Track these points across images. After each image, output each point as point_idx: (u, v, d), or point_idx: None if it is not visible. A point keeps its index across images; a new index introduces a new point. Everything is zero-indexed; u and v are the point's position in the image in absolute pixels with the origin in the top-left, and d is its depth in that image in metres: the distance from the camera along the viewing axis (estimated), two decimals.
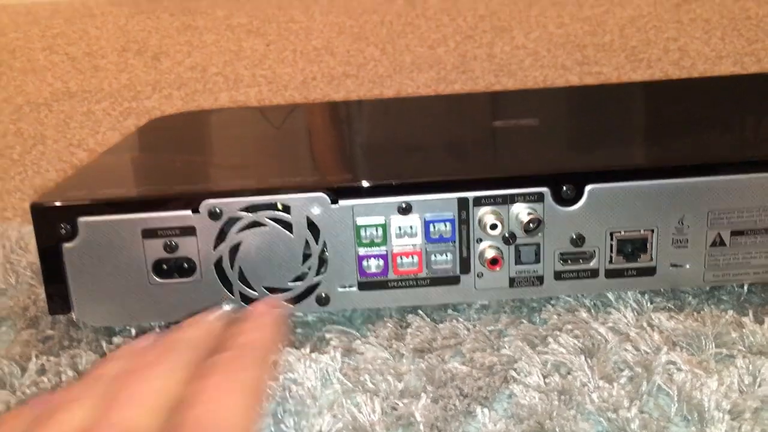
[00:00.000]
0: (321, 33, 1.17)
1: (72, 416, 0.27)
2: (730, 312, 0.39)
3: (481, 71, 0.96)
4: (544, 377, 0.35)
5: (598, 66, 0.95)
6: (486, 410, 0.33)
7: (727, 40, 1.03)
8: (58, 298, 0.39)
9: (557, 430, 0.32)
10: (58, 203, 0.38)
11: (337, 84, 0.94)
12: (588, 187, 0.38)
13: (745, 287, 0.41)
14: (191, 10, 1.35)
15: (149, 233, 0.38)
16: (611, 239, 0.39)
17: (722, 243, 0.39)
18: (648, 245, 0.39)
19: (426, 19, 1.24)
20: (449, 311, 0.42)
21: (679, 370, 0.35)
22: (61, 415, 0.27)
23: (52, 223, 0.38)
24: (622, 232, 0.39)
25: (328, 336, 0.40)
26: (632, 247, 0.39)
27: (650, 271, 0.39)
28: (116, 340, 0.40)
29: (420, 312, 0.41)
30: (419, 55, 1.05)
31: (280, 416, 0.35)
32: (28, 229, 0.53)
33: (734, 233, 0.39)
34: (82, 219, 0.38)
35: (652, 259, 0.39)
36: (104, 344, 0.40)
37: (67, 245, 0.38)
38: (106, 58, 1.09)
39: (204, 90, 0.94)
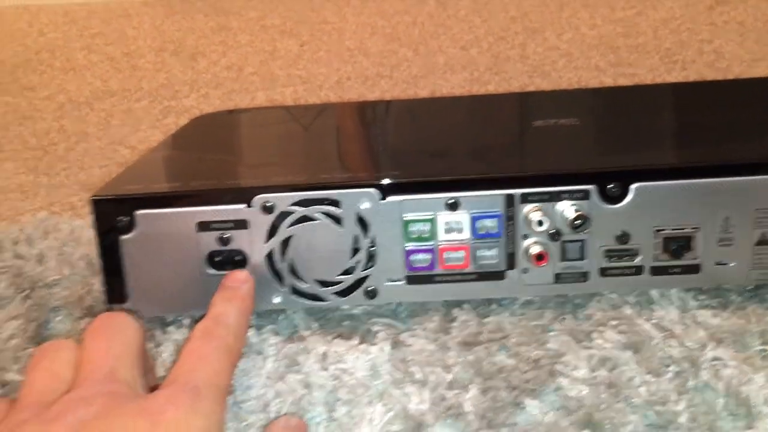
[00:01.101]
0: (354, 34, 1.19)
1: None
2: None
3: (515, 72, 0.96)
4: (591, 371, 0.36)
5: (632, 68, 0.95)
6: (535, 402, 0.34)
7: (762, 43, 1.03)
8: (115, 289, 0.40)
9: (606, 422, 0.32)
10: (117, 196, 0.40)
11: (371, 84, 0.95)
12: (634, 185, 0.38)
13: None
14: (225, 10, 1.37)
15: (204, 226, 0.39)
16: (656, 237, 0.39)
17: None
18: (693, 243, 0.39)
19: (458, 21, 1.25)
20: (494, 306, 0.42)
21: (726, 366, 0.35)
22: None
23: (111, 216, 0.39)
24: (668, 230, 0.39)
25: (375, 329, 0.41)
26: (677, 245, 0.39)
27: (695, 269, 0.40)
28: (170, 329, 0.41)
29: (465, 306, 0.42)
30: (452, 56, 1.06)
31: (332, 405, 0.36)
32: (79, 223, 0.55)
33: None
34: (140, 212, 0.39)
35: (697, 257, 0.40)
36: (158, 334, 0.41)
37: (124, 237, 0.40)
38: (144, 58, 1.11)
39: (240, 89, 0.95)
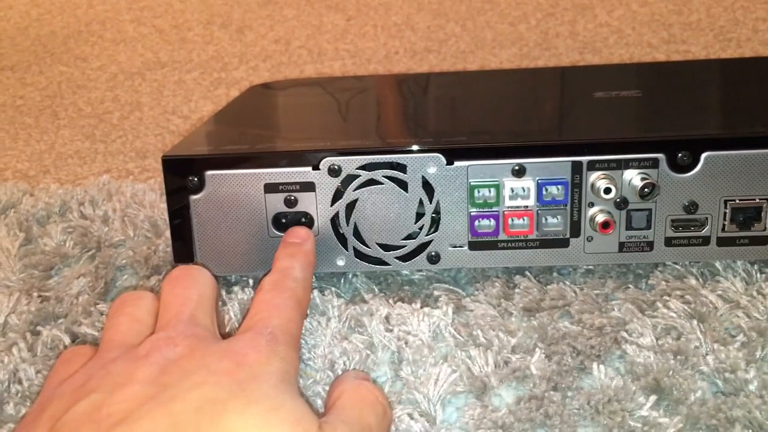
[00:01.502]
0: (400, 9, 1.18)
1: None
2: None
3: (565, 48, 0.95)
4: (657, 339, 0.36)
5: (685, 45, 0.93)
6: (602, 366, 0.34)
7: None
8: (183, 247, 0.41)
9: (674, 388, 0.33)
10: (187, 156, 0.40)
11: (420, 59, 0.94)
12: (705, 154, 0.38)
13: None
14: None
15: (271, 188, 0.40)
16: (725, 207, 0.39)
17: None
18: (762, 214, 0.39)
19: None
20: (555, 274, 0.42)
21: None
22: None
23: (182, 176, 0.40)
24: (737, 201, 0.39)
25: (436, 293, 0.41)
26: (746, 216, 0.39)
27: (763, 241, 0.39)
28: (235, 289, 0.42)
29: (527, 273, 0.42)
30: (500, 31, 1.05)
31: (397, 364, 0.36)
32: (141, 186, 0.56)
33: None
34: (209, 172, 0.40)
35: (765, 228, 0.39)
36: (224, 293, 0.42)
37: (194, 197, 0.40)
38: (193, 31, 1.12)
39: (289, 62, 0.96)
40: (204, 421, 0.26)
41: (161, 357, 0.29)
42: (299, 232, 0.40)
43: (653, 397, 0.32)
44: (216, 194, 0.40)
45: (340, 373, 0.36)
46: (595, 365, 0.34)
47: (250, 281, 0.43)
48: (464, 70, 0.88)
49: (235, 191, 0.40)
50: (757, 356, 0.34)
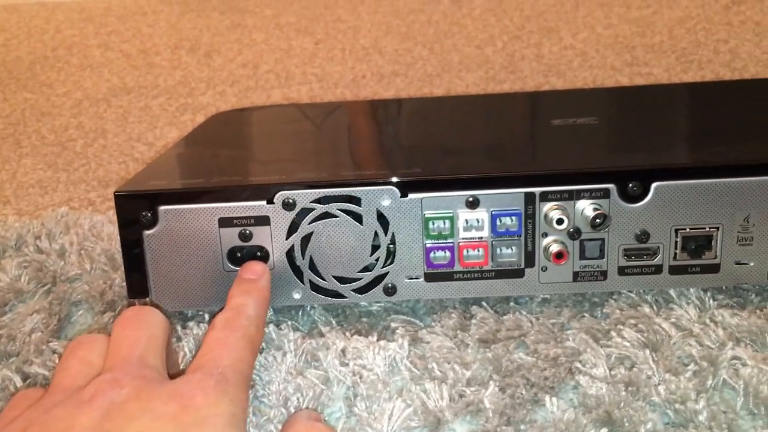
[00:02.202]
0: (369, 32, 1.19)
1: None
2: None
3: (530, 71, 0.96)
4: (610, 369, 0.36)
5: (648, 67, 0.95)
6: (554, 399, 0.34)
7: None
8: (137, 283, 0.41)
9: (625, 420, 0.33)
10: (140, 192, 0.40)
11: (386, 82, 0.95)
12: (654, 185, 0.38)
13: None
14: (240, 9, 1.37)
15: (225, 222, 0.40)
16: (676, 236, 0.39)
17: None
18: (713, 242, 0.39)
19: (472, 19, 1.25)
20: (512, 304, 0.43)
21: (745, 365, 0.35)
22: None
23: (135, 211, 0.40)
24: (687, 229, 0.39)
25: (393, 325, 0.41)
26: (696, 244, 0.40)
27: (714, 269, 0.40)
28: (190, 324, 0.42)
29: (483, 304, 0.42)
30: (467, 54, 1.06)
31: (351, 400, 0.36)
32: (100, 218, 0.56)
33: None
34: (163, 207, 0.40)
35: (716, 256, 0.40)
36: (179, 329, 0.42)
37: (147, 232, 0.40)
38: (160, 55, 1.11)
39: (256, 87, 0.96)
40: None
41: (106, 401, 0.28)
42: (254, 268, 0.39)
43: (604, 430, 0.32)
44: (170, 229, 0.40)
45: (293, 410, 0.35)
46: (547, 398, 0.34)
47: (206, 316, 0.43)
48: (426, 95, 0.89)
49: (189, 226, 0.40)
50: (708, 385, 0.35)
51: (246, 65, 1.05)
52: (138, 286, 0.41)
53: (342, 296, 0.41)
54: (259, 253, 0.41)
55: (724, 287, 0.42)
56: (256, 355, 0.34)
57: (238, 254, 0.41)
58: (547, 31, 1.16)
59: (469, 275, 0.41)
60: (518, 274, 0.40)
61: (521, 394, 0.35)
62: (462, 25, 1.22)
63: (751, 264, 0.40)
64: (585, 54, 1.03)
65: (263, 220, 0.40)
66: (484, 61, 1.02)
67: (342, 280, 0.41)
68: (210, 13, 1.34)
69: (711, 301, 0.41)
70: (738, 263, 0.40)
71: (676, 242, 0.39)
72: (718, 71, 0.92)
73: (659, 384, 0.35)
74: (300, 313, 0.43)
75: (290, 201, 0.40)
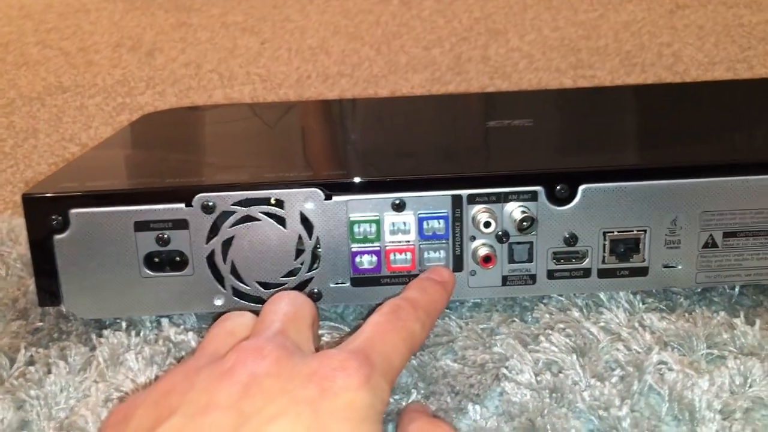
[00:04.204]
0: (316, 32, 1.17)
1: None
2: (722, 313, 0.39)
3: (476, 73, 0.96)
4: (536, 375, 0.35)
5: (592, 70, 0.95)
6: (477, 407, 0.33)
7: (720, 47, 1.04)
8: (49, 290, 0.39)
9: (548, 427, 0.32)
10: (50, 194, 0.38)
11: (331, 83, 0.94)
12: (582, 187, 0.38)
13: (737, 289, 0.41)
14: (186, 7, 1.35)
15: (141, 226, 0.38)
16: (604, 239, 0.39)
17: (714, 245, 0.39)
18: (641, 245, 0.39)
19: (421, 21, 1.24)
20: None
21: (671, 369, 0.35)
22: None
23: (44, 215, 0.38)
24: (615, 232, 0.39)
25: (320, 332, 0.40)
26: (625, 247, 0.39)
27: (642, 272, 0.39)
28: (106, 332, 0.40)
29: None
30: (414, 55, 1.05)
31: None
32: (19, 222, 0.53)
33: (726, 235, 0.39)
34: (74, 210, 0.38)
35: (644, 259, 0.39)
36: (94, 337, 0.40)
37: (58, 237, 0.38)
38: (100, 54, 1.08)
39: (198, 87, 0.94)
40: None
41: (245, 373, 0.27)
42: (441, 272, 0.38)
43: None
44: (82, 233, 0.38)
45: None
46: (470, 406, 0.33)
47: (123, 324, 0.41)
48: (369, 97, 0.88)
49: (103, 230, 0.38)
50: (633, 390, 0.34)
51: (189, 64, 1.03)
52: (49, 294, 0.39)
53: (265, 302, 0.40)
54: (178, 258, 0.39)
55: (654, 291, 0.42)
56: (412, 354, 0.32)
57: (156, 259, 0.39)
58: (495, 32, 1.16)
59: (396, 280, 0.40)
60: None
61: (446, 402, 0.35)
62: (410, 26, 1.21)
63: (679, 267, 0.39)
64: (531, 56, 1.03)
65: (182, 224, 0.38)
66: (430, 62, 1.02)
67: (265, 285, 0.39)
68: (155, 11, 1.31)
69: (640, 304, 0.40)
70: (666, 266, 0.39)
71: (605, 245, 0.39)
72: (661, 74, 0.93)
73: (584, 390, 0.34)
74: None
75: (210, 204, 0.38)
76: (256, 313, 0.33)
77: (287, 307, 0.32)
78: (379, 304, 0.33)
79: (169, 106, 0.85)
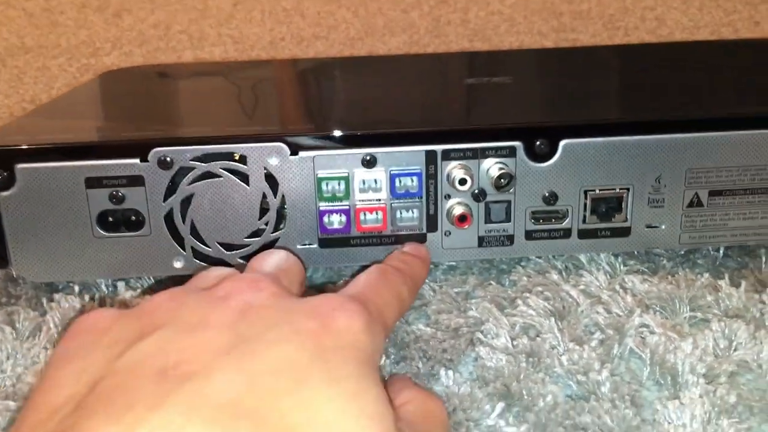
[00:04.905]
0: None
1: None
2: (706, 275, 0.37)
3: (455, 36, 0.93)
4: (512, 339, 0.34)
5: (574, 33, 0.93)
6: (450, 372, 0.31)
7: (704, 11, 1.02)
8: None
9: (524, 392, 0.30)
10: None
11: (306, 45, 0.91)
12: (563, 142, 0.36)
13: (721, 251, 0.40)
14: None
15: (93, 182, 0.36)
16: (585, 198, 0.37)
17: (699, 203, 0.37)
18: (623, 205, 0.37)
19: None
20: None
21: (652, 333, 0.33)
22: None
23: None
24: (597, 191, 0.37)
25: None
26: (607, 207, 0.37)
27: (625, 232, 0.38)
28: (57, 297, 0.37)
29: None
30: (392, 18, 1.02)
31: None
32: None
33: (712, 193, 0.37)
34: (20, 165, 0.35)
35: (626, 219, 0.37)
36: (44, 301, 0.37)
37: (3, 194, 0.35)
38: (65, 14, 1.04)
39: (167, 48, 0.90)
40: (282, 386, 0.22)
41: (242, 300, 0.25)
42: (420, 248, 0.37)
43: (501, 404, 0.30)
44: (30, 190, 0.35)
45: None
46: (443, 371, 0.32)
47: (76, 288, 0.38)
48: (338, 56, 0.85)
49: (52, 187, 0.35)
50: (613, 354, 0.32)
51: (157, 25, 0.99)
52: None
53: (228, 264, 0.37)
54: (133, 217, 0.36)
55: (636, 252, 0.40)
56: (397, 320, 0.31)
57: (110, 218, 0.36)
58: None
59: (366, 241, 0.37)
60: (420, 239, 0.37)
61: (417, 367, 0.33)
62: None
63: (663, 227, 0.38)
64: (512, 19, 1.00)
65: (137, 180, 0.36)
66: (409, 25, 0.99)
67: (228, 246, 0.37)
68: None
69: (622, 266, 0.39)
70: (649, 226, 0.38)
71: (586, 204, 0.37)
72: (644, 38, 0.91)
73: (563, 354, 0.32)
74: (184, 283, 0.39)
75: (167, 159, 0.35)
76: None
77: (278, 260, 0.31)
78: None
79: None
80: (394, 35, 0.95)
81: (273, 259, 0.31)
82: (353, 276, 0.39)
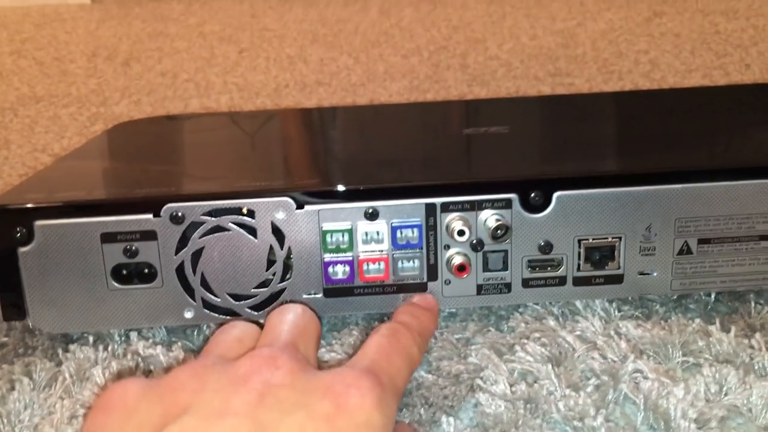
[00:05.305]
0: (294, 41, 1.17)
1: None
2: (697, 320, 0.39)
3: (454, 81, 0.96)
4: (511, 386, 0.35)
5: (570, 77, 0.96)
6: (451, 419, 0.33)
7: (696, 54, 1.04)
8: (13, 304, 0.38)
9: None
10: (13, 206, 0.37)
11: (309, 92, 0.93)
12: (556, 194, 0.38)
13: (712, 296, 0.41)
14: (164, 17, 1.34)
15: (108, 237, 0.37)
16: (579, 246, 0.39)
17: (689, 251, 0.39)
18: (615, 253, 0.39)
19: (400, 29, 1.24)
20: None
21: (646, 378, 0.34)
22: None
23: (8, 227, 0.37)
24: (590, 240, 0.38)
25: None
26: (600, 255, 0.39)
27: (618, 279, 0.39)
28: (72, 347, 0.39)
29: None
30: (392, 64, 1.05)
31: None
32: None
33: (701, 241, 0.38)
34: (39, 222, 0.37)
35: (619, 266, 0.39)
36: (60, 352, 0.39)
37: (23, 249, 0.37)
38: (75, 63, 1.07)
39: (174, 96, 0.93)
40: None
41: (260, 382, 0.26)
42: (428, 298, 0.39)
43: None
44: (47, 246, 0.37)
45: None
46: (444, 418, 0.33)
47: (90, 338, 0.40)
48: (338, 105, 0.87)
49: (69, 242, 0.37)
50: (608, 400, 0.34)
51: (165, 74, 1.02)
52: (13, 308, 0.38)
53: (237, 314, 0.39)
54: (146, 270, 0.38)
55: (630, 298, 0.41)
56: (411, 377, 0.33)
57: (124, 271, 0.38)
58: (474, 41, 1.16)
59: (369, 290, 0.39)
60: (421, 288, 0.39)
61: (419, 414, 0.34)
62: (390, 34, 1.21)
63: (655, 274, 0.39)
64: (509, 64, 1.03)
65: (150, 235, 0.37)
66: (409, 70, 1.01)
67: (237, 297, 0.39)
68: (132, 20, 1.30)
69: (616, 312, 0.40)
70: (641, 273, 0.39)
71: (580, 253, 0.39)
72: (638, 81, 0.93)
73: (560, 400, 0.34)
74: (195, 333, 0.41)
75: (178, 214, 0.37)
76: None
77: (295, 319, 0.32)
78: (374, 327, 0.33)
79: (145, 116, 0.84)
80: (395, 81, 0.97)
81: (289, 318, 0.32)
82: (356, 324, 0.40)
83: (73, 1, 1.47)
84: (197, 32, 1.22)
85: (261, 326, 0.33)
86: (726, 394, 0.33)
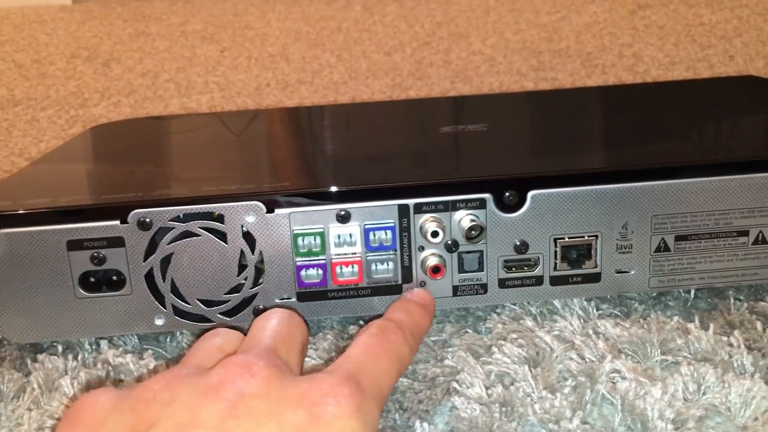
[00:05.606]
0: (277, 39, 1.16)
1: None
2: (676, 318, 0.38)
3: (437, 77, 0.95)
4: (487, 388, 0.34)
5: (553, 72, 0.95)
6: (425, 424, 0.32)
7: (680, 46, 1.04)
8: None
9: None
10: None
11: (291, 91, 0.92)
12: (531, 193, 0.37)
13: (692, 293, 0.41)
14: (145, 16, 1.33)
15: (75, 245, 0.36)
16: (555, 246, 0.38)
17: (667, 248, 0.38)
18: (592, 251, 0.38)
19: (383, 26, 1.23)
20: None
21: (624, 378, 0.34)
22: None
23: None
24: (567, 239, 0.38)
25: None
26: (577, 254, 0.38)
27: (595, 278, 0.39)
28: (41, 357, 0.38)
29: (362, 323, 0.40)
30: (375, 61, 1.04)
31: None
32: None
33: (678, 238, 0.38)
34: (3, 230, 0.36)
35: (596, 265, 0.38)
36: (29, 362, 0.38)
37: None
38: (55, 65, 1.06)
39: (154, 97, 0.92)
40: None
41: (233, 391, 0.26)
42: (423, 294, 0.38)
43: None
44: (13, 254, 0.36)
45: None
46: (418, 423, 0.32)
47: (60, 347, 0.39)
48: (329, 104, 0.87)
49: (35, 250, 0.36)
50: (585, 401, 0.33)
51: (145, 74, 1.01)
52: None
53: (208, 320, 0.38)
54: (115, 278, 0.37)
55: (609, 296, 0.41)
56: (399, 378, 0.32)
57: (92, 279, 0.37)
58: (457, 36, 1.15)
59: (343, 293, 0.38)
60: (395, 290, 0.38)
61: (393, 419, 0.33)
62: (372, 32, 1.20)
63: (632, 272, 0.39)
64: (493, 59, 1.02)
65: (117, 242, 0.37)
66: (392, 67, 1.01)
67: (208, 303, 0.38)
68: (113, 20, 1.29)
69: (595, 311, 0.40)
70: (619, 272, 0.39)
71: (556, 252, 0.38)
72: (621, 75, 0.93)
73: (536, 402, 0.33)
74: (168, 340, 0.40)
75: (146, 220, 0.36)
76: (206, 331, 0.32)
77: (279, 325, 0.31)
78: (362, 325, 0.32)
79: (123, 118, 0.83)
80: (377, 78, 0.97)
81: (272, 324, 0.31)
82: (331, 327, 0.40)
83: (54, 2, 1.45)
84: (179, 31, 1.21)
85: (246, 333, 0.32)
86: (704, 393, 0.33)
